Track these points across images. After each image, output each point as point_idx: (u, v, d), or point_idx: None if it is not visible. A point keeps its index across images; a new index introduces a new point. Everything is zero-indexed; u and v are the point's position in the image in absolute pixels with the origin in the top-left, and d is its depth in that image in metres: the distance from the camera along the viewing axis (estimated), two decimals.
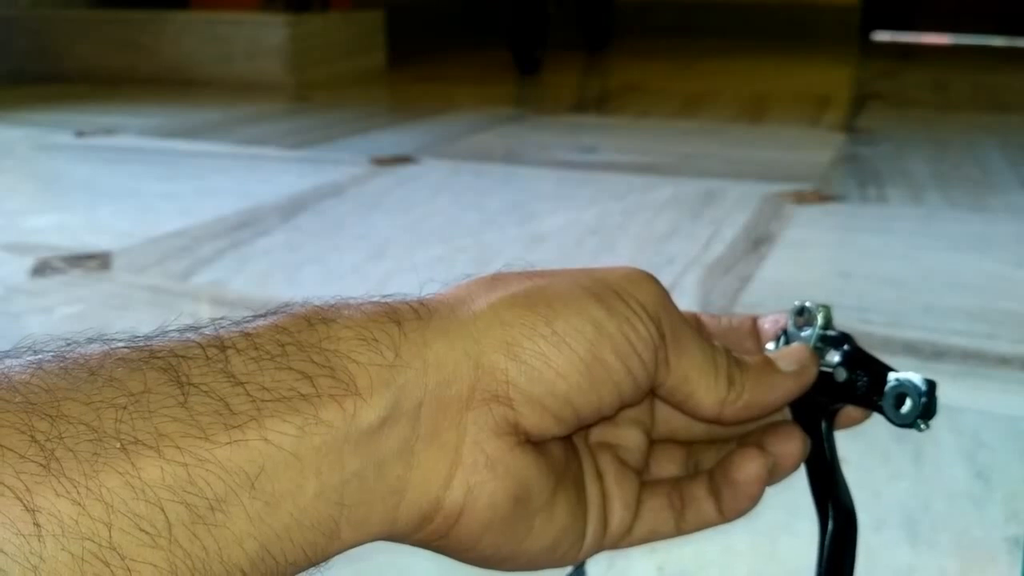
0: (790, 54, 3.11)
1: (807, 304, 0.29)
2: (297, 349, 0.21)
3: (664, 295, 0.26)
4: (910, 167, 1.38)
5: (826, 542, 0.29)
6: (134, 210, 1.14)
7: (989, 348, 0.71)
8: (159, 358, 0.20)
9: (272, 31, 2.25)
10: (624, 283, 0.25)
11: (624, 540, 0.28)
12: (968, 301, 0.81)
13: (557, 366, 0.23)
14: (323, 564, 0.22)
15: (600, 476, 0.27)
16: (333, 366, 0.21)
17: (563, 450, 0.26)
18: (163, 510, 0.18)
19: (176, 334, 0.22)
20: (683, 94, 2.19)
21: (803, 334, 0.29)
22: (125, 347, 0.21)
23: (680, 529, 0.29)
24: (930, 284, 0.85)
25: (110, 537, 0.18)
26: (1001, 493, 0.51)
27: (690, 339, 0.26)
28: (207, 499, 0.19)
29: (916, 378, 0.27)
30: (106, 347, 0.21)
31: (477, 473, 0.23)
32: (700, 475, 0.29)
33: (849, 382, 0.29)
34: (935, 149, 1.50)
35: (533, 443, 0.24)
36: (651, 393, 0.26)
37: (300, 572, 0.21)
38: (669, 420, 0.30)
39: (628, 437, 0.29)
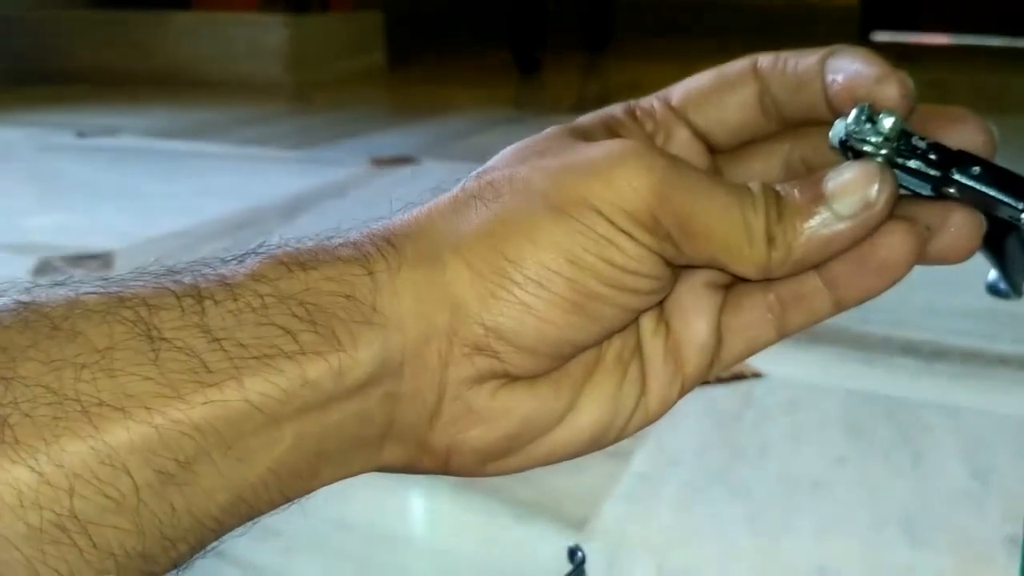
0: None
1: (870, 108, 0.21)
2: (277, 300, 0.20)
3: (652, 177, 0.21)
4: None
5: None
6: (135, 210, 1.15)
7: (989, 348, 0.71)
8: (128, 308, 0.19)
9: (272, 32, 2.26)
10: (598, 187, 0.21)
11: (712, 373, 0.25)
12: (968, 301, 0.81)
13: (540, 313, 0.21)
14: (302, 498, 0.21)
15: (667, 322, 0.24)
16: (315, 320, 0.20)
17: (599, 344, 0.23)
18: (130, 474, 0.18)
19: (151, 278, 0.20)
20: None
21: (872, 141, 0.21)
22: (93, 293, 0.19)
23: (783, 333, 0.25)
24: (930, 284, 0.85)
25: (71, 504, 0.17)
26: (1000, 492, 0.51)
27: (703, 216, 0.21)
28: (178, 460, 0.18)
29: None
30: (72, 294, 0.19)
31: (456, 424, 0.22)
32: (808, 273, 0.23)
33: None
34: None
35: (527, 376, 0.22)
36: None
37: (278, 507, 0.21)
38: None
39: None
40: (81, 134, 1.62)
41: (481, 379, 0.22)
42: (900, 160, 0.22)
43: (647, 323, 0.24)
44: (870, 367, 0.68)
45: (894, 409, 0.61)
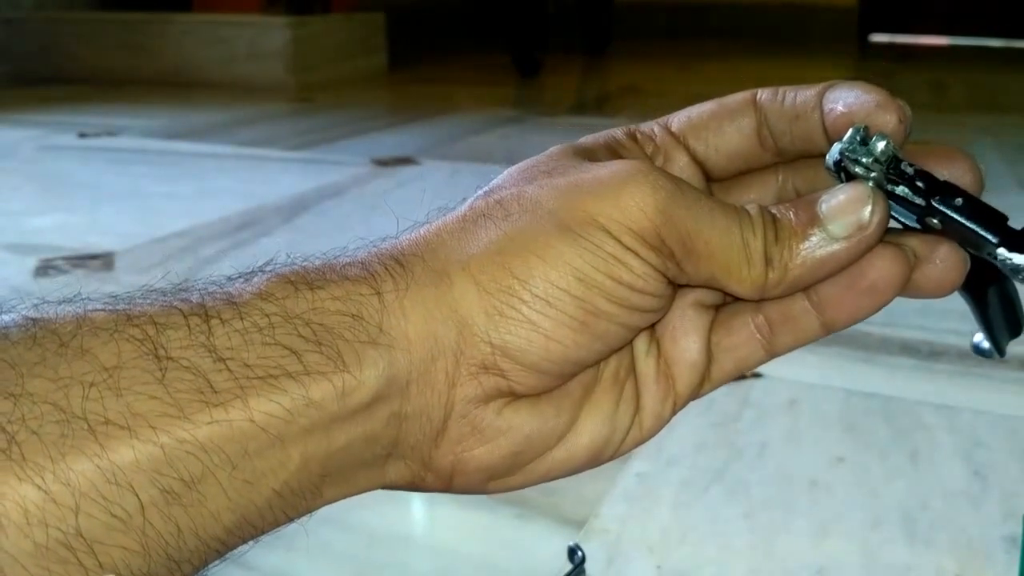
0: (788, 56, 3.12)
1: (865, 131, 0.22)
2: (283, 320, 0.20)
3: (658, 197, 0.21)
4: None
5: (992, 298, 0.24)
6: (137, 211, 1.15)
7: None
8: (136, 326, 0.19)
9: (274, 33, 2.26)
10: (606, 207, 0.21)
11: (702, 391, 0.25)
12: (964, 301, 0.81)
13: (547, 331, 0.21)
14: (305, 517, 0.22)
15: (658, 341, 0.25)
16: (320, 340, 0.20)
17: (596, 365, 0.24)
18: (135, 493, 0.18)
19: (159, 296, 0.21)
20: (682, 95, 2.19)
21: (864, 162, 0.22)
22: (102, 310, 0.20)
23: (772, 354, 0.25)
24: None
25: (77, 523, 0.17)
26: (998, 492, 0.51)
27: (705, 236, 0.22)
28: (183, 480, 0.18)
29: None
30: (80, 311, 0.19)
31: (461, 443, 0.22)
32: (797, 295, 0.24)
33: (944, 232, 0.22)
34: None
35: (532, 395, 0.23)
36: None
37: (280, 527, 0.21)
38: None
39: None
40: (83, 135, 1.62)
41: (487, 398, 0.22)
42: (889, 186, 0.22)
43: (640, 343, 0.25)
44: (868, 367, 0.68)
45: (892, 409, 0.61)
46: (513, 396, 0.22)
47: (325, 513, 0.22)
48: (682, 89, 2.32)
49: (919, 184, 0.22)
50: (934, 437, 0.57)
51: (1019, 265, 0.22)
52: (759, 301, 0.24)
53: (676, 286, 0.23)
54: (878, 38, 3.62)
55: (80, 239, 1.02)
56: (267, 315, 0.20)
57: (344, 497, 0.22)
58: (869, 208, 0.22)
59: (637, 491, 0.52)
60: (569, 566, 0.44)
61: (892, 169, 0.22)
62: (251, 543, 0.21)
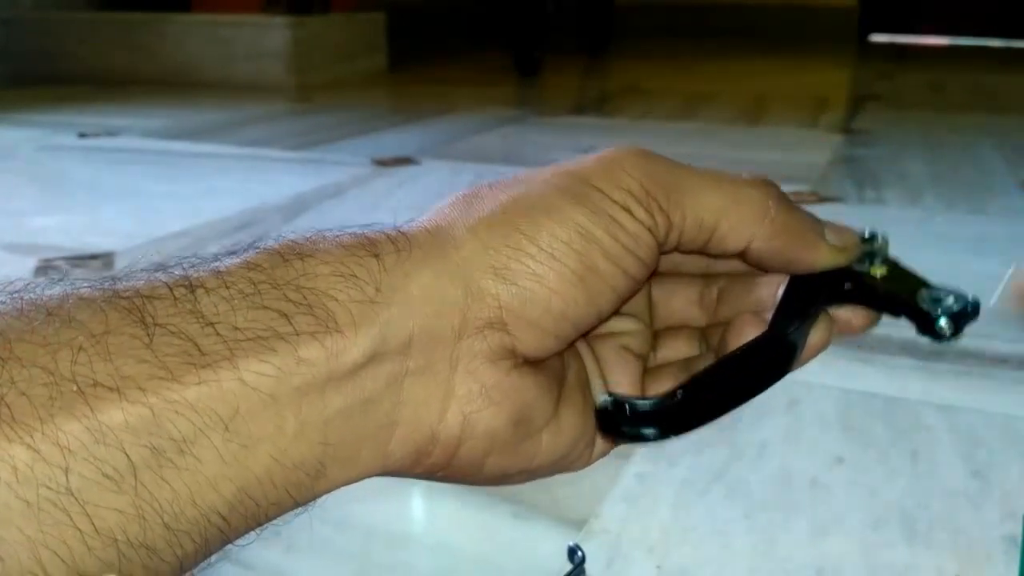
0: (788, 56, 3.12)
1: (873, 232, 0.29)
2: (271, 287, 0.20)
3: (640, 160, 0.24)
4: (907, 168, 1.38)
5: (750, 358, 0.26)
6: (137, 211, 1.15)
7: (987, 348, 0.71)
8: (123, 298, 0.19)
9: (274, 33, 2.26)
10: (602, 174, 0.24)
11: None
12: None
13: (550, 284, 0.23)
14: (310, 504, 0.22)
15: (602, 372, 0.27)
16: (311, 303, 0.20)
17: (562, 358, 0.26)
18: (126, 454, 0.18)
19: (143, 274, 0.21)
20: (682, 95, 2.19)
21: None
22: (88, 287, 0.20)
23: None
24: None
25: (67, 483, 0.17)
26: (998, 492, 0.51)
27: (683, 181, 0.24)
28: (175, 441, 0.18)
29: (943, 321, 0.28)
30: (67, 288, 0.20)
31: (472, 403, 0.22)
32: (709, 353, 0.28)
33: (887, 296, 0.28)
34: (932, 150, 1.51)
35: (531, 363, 0.24)
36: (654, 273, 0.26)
37: (286, 512, 0.21)
38: (669, 315, 0.29)
39: (627, 324, 0.28)
40: (83, 135, 1.63)
41: (493, 356, 0.23)
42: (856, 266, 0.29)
43: (591, 371, 0.27)
44: (868, 367, 0.68)
45: (892, 409, 0.61)
46: (516, 358, 0.23)
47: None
48: (682, 89, 2.32)
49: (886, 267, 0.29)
50: (934, 437, 0.58)
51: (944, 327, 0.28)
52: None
53: (661, 253, 0.25)
54: (878, 38, 3.62)
55: (80, 239, 1.02)
56: (254, 283, 0.20)
57: (348, 480, 0.22)
58: (854, 239, 0.29)
59: (637, 491, 0.52)
60: (569, 566, 0.44)
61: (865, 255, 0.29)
62: (255, 533, 0.21)
